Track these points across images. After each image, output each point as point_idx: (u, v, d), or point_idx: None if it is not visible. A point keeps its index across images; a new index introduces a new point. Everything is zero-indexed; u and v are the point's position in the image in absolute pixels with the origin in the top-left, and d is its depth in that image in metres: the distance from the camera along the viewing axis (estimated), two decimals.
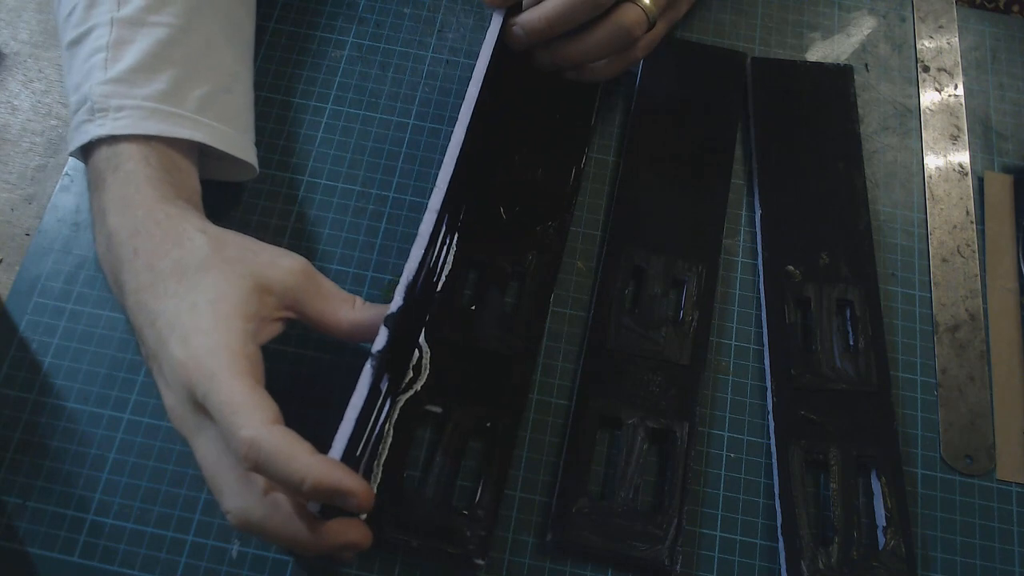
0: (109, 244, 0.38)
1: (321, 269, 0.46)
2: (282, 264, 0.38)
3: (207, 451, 0.35)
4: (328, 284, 0.39)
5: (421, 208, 0.48)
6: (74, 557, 0.40)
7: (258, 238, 0.46)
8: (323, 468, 0.32)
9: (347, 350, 0.45)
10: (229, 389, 0.34)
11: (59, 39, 0.44)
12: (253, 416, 0.33)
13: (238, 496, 0.34)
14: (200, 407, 0.35)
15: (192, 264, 0.37)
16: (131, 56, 0.41)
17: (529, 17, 0.45)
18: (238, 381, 0.34)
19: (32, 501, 0.41)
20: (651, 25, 0.46)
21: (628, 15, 0.45)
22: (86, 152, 0.41)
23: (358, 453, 0.38)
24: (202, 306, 0.36)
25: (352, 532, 0.36)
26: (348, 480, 0.33)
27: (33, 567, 0.39)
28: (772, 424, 0.44)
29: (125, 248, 0.38)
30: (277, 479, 0.33)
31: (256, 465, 0.33)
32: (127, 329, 0.44)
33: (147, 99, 0.41)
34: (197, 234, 0.38)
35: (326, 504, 0.35)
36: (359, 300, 0.40)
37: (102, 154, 0.40)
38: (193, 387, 0.34)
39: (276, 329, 0.38)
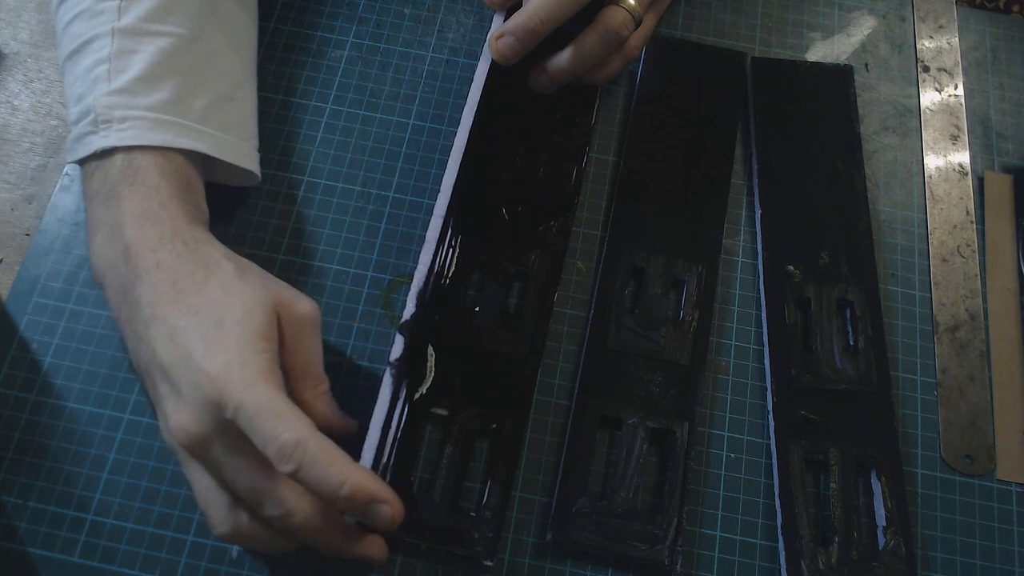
0: (126, 256, 0.38)
1: (321, 269, 0.46)
2: (299, 306, 0.39)
3: (238, 465, 0.35)
4: (318, 351, 0.39)
5: (421, 208, 0.48)
6: (74, 557, 0.40)
7: (258, 238, 0.47)
8: (362, 475, 0.34)
9: (347, 350, 0.45)
10: (268, 397, 0.34)
11: (58, 50, 0.44)
12: (297, 421, 0.34)
13: (289, 499, 0.35)
14: (223, 423, 0.34)
15: (217, 286, 0.37)
16: (134, 67, 0.41)
17: (518, 20, 0.45)
18: (275, 392, 0.34)
19: (32, 501, 0.41)
20: (638, 23, 0.46)
21: (614, 18, 0.45)
22: (90, 162, 0.41)
23: (384, 460, 0.38)
24: (229, 324, 0.36)
25: (373, 545, 0.38)
26: (384, 491, 0.34)
27: (33, 567, 0.39)
28: (772, 424, 0.44)
29: (146, 260, 0.37)
30: (315, 482, 0.33)
31: (299, 466, 0.33)
32: None
33: (150, 109, 0.40)
34: (224, 260, 0.38)
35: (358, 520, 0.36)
36: (325, 387, 0.40)
37: (116, 165, 0.40)
38: (223, 400, 0.34)
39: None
